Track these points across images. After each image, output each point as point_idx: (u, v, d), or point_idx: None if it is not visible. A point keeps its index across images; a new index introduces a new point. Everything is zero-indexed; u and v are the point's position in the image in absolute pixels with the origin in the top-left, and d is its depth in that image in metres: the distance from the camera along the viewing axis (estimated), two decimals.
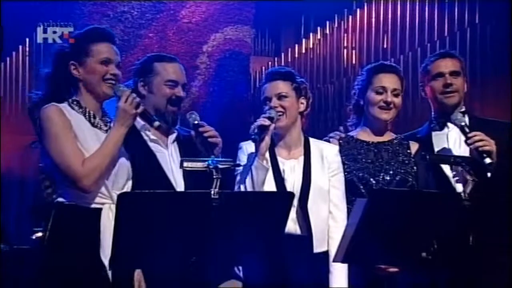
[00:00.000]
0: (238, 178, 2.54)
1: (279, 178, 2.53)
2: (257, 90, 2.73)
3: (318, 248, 2.52)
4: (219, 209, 1.94)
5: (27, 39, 7.33)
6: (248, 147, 2.58)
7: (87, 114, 2.34)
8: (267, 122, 2.46)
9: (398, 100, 2.67)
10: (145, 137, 2.52)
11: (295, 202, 2.46)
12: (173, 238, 1.97)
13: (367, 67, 2.78)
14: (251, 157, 2.53)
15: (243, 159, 2.58)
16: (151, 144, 2.52)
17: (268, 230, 2.07)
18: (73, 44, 2.39)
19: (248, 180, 2.47)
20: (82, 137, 2.28)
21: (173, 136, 2.57)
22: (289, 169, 2.56)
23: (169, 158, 2.53)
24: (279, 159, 2.57)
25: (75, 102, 2.35)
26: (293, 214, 2.46)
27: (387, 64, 2.86)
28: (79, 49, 2.35)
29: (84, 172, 2.20)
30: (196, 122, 2.49)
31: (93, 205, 2.25)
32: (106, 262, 2.16)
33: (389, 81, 2.66)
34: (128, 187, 2.34)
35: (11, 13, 6.68)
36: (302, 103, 2.61)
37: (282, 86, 2.58)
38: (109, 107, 2.45)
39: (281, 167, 2.56)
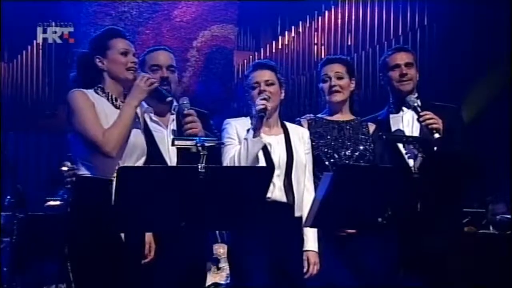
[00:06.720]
0: (230, 151, 2.46)
1: (266, 152, 2.49)
2: (244, 77, 2.66)
3: (297, 212, 2.51)
4: (205, 181, 1.92)
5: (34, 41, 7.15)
6: (236, 123, 2.54)
7: (109, 98, 2.31)
8: (268, 104, 2.44)
9: (342, 82, 2.67)
10: (147, 118, 2.49)
11: (282, 173, 2.46)
12: (165, 206, 1.95)
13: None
14: (243, 132, 2.47)
15: (232, 133, 2.52)
16: (150, 124, 2.49)
17: (249, 200, 2.05)
18: (94, 42, 2.37)
19: (243, 153, 2.40)
20: (104, 116, 2.25)
21: (172, 118, 2.54)
22: (275, 144, 2.53)
23: (167, 138, 2.49)
24: (262, 135, 2.51)
25: (99, 89, 2.33)
26: (280, 183, 2.46)
27: (331, 57, 2.86)
28: (101, 45, 2.34)
29: (105, 140, 2.19)
30: (184, 111, 2.42)
31: (106, 177, 2.21)
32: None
33: (331, 69, 2.68)
34: (141, 164, 2.29)
35: (24, 13, 6.53)
36: (281, 92, 2.60)
37: (270, 75, 2.57)
38: None
39: (266, 140, 2.51)
